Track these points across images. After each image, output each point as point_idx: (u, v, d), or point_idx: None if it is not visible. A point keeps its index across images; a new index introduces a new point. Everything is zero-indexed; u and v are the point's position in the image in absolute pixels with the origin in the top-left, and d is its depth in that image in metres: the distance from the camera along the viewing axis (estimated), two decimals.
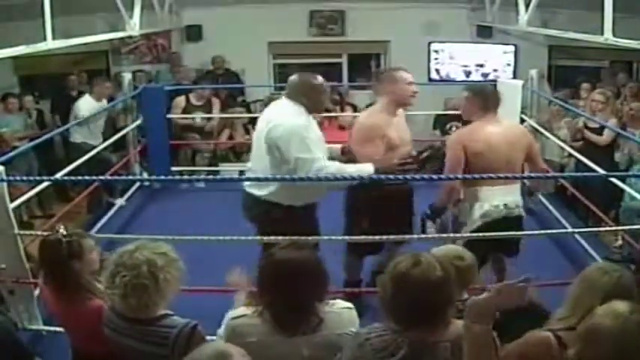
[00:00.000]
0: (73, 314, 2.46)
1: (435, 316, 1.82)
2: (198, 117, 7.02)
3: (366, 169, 3.40)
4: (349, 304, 2.19)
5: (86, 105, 6.40)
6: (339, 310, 2.13)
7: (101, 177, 5.22)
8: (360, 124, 3.84)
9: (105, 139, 6.30)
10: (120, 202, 6.04)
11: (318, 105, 3.54)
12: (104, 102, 6.56)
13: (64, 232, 2.49)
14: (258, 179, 3.48)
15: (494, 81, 6.38)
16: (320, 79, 3.53)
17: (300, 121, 3.36)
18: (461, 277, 2.46)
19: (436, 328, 1.83)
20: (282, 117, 3.37)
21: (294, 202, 3.43)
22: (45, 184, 4.84)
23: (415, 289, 1.77)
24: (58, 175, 4.68)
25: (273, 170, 3.37)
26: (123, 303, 2.07)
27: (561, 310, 2.08)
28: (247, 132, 7.56)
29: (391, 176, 3.36)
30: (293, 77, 3.54)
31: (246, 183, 3.59)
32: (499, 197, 3.50)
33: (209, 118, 7.12)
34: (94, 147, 5.94)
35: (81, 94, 6.83)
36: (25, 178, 4.68)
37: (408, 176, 3.27)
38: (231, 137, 7.56)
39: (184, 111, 6.99)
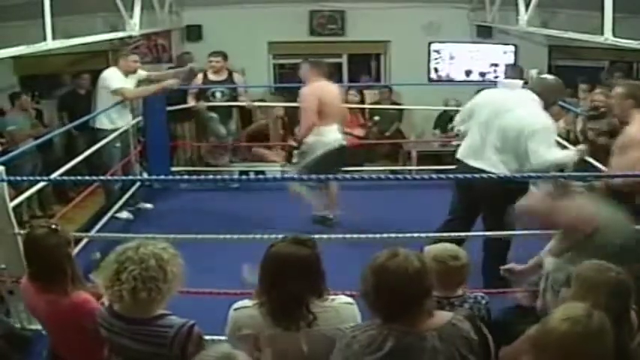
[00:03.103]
0: (60, 309, 2.39)
1: (414, 306, 1.86)
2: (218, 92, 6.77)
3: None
4: (350, 300, 2.19)
5: (117, 76, 5.61)
6: (338, 306, 2.14)
7: (101, 177, 5.22)
8: None
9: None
10: (126, 215, 5.81)
11: (554, 104, 4.02)
12: (132, 80, 5.80)
13: (53, 226, 2.47)
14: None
15: (494, 81, 6.37)
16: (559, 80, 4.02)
17: (550, 121, 3.80)
18: (456, 275, 2.49)
19: (419, 319, 1.87)
20: (534, 109, 3.76)
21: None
22: (44, 183, 4.84)
23: (393, 279, 1.83)
24: (57, 175, 4.67)
25: (506, 150, 3.72)
26: (132, 298, 2.03)
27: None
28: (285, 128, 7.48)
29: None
30: (539, 75, 4.40)
31: (476, 161, 3.84)
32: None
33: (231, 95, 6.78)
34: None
35: (89, 93, 6.78)
36: (24, 177, 4.68)
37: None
38: (266, 135, 7.42)
39: (202, 89, 6.69)
